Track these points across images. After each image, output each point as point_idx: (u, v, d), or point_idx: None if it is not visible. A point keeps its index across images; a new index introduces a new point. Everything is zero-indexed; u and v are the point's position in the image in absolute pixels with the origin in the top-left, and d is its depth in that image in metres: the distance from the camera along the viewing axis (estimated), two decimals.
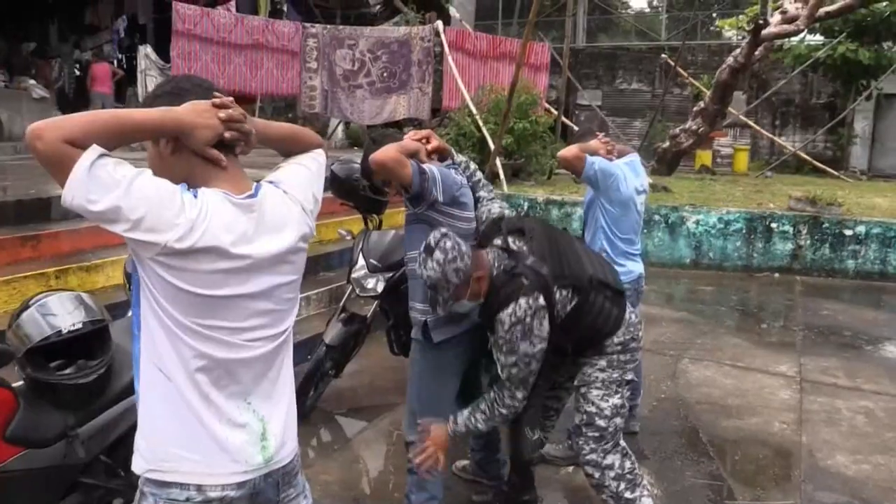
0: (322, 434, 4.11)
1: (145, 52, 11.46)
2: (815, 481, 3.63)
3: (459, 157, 3.06)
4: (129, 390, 1.68)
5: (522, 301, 2.52)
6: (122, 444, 2.39)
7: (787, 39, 15.59)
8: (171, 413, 1.57)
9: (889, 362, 5.58)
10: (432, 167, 2.73)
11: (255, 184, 1.64)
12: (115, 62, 15.05)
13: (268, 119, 1.94)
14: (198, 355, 1.54)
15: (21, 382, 2.32)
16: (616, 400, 2.81)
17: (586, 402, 2.82)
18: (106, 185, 1.36)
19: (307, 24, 11.42)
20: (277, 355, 1.71)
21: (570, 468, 3.69)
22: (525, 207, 9.23)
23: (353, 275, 4.18)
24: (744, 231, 8.57)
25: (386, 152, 2.65)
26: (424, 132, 2.92)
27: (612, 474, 2.79)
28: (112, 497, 2.47)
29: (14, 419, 2.12)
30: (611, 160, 3.69)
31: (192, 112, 1.50)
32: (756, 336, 6.15)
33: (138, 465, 1.60)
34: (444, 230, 2.58)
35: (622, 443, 2.87)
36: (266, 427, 1.67)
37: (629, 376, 2.88)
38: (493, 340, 2.64)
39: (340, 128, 15.03)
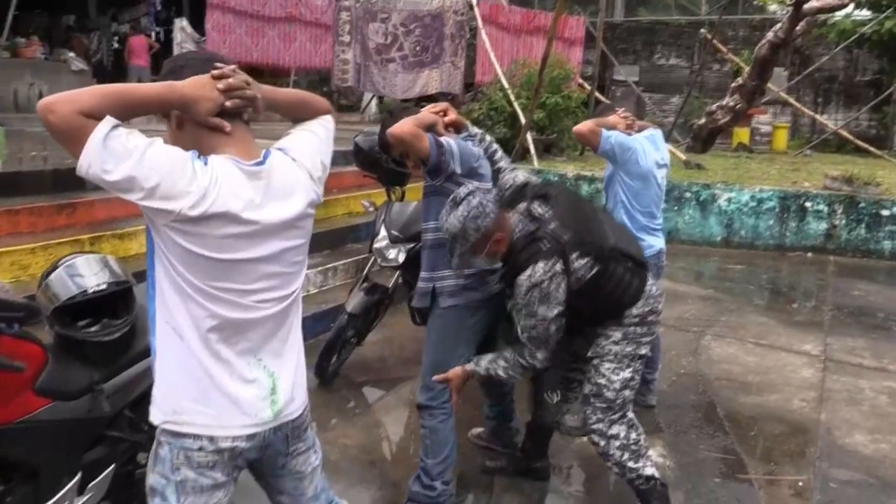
0: (343, 399, 4.21)
1: (181, 24, 11.61)
2: (831, 459, 3.63)
3: (474, 129, 3.08)
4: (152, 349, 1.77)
5: (540, 265, 2.56)
6: (145, 400, 2.46)
7: (831, 14, 15.15)
8: (185, 369, 1.66)
9: None
10: (449, 140, 2.76)
11: (264, 151, 1.70)
12: (152, 35, 15.22)
13: None
14: (210, 315, 1.62)
15: (50, 340, 2.44)
16: (626, 374, 2.83)
17: (597, 373, 2.84)
18: (119, 155, 1.42)
19: None
20: (287, 316, 1.78)
21: (584, 438, 3.73)
22: (571, 177, 9.21)
23: (375, 245, 4.26)
24: (777, 210, 8.44)
25: (402, 126, 2.68)
26: (442, 105, 2.94)
27: (616, 444, 2.83)
28: (136, 450, 2.59)
29: (43, 372, 2.22)
30: (630, 134, 3.69)
31: (193, 85, 1.56)
32: (783, 315, 6.09)
33: (155, 416, 1.70)
34: (472, 187, 2.63)
35: (630, 414, 2.90)
36: (276, 383, 1.75)
37: (643, 351, 2.88)
38: (512, 303, 2.69)
39: (374, 101, 15.06)
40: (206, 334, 1.64)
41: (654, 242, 3.82)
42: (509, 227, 2.65)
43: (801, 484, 3.39)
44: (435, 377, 2.86)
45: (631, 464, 2.83)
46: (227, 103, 1.60)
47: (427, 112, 2.85)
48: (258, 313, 1.69)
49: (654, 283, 2.97)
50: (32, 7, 14.33)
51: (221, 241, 1.57)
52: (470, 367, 2.83)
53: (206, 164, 1.55)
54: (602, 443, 2.85)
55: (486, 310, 2.99)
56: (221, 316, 1.63)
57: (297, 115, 1.88)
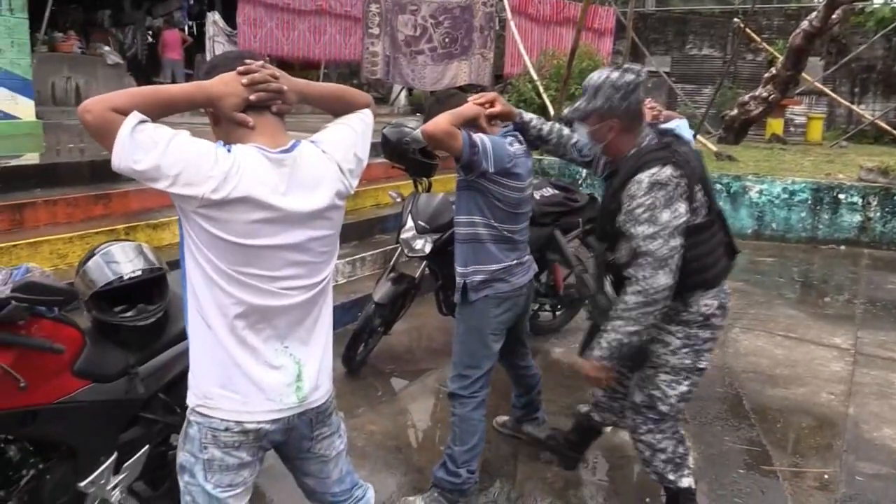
0: (370, 387, 4.28)
1: (213, 18, 11.75)
2: (858, 452, 3.60)
3: (528, 116, 2.98)
4: (185, 334, 1.84)
5: (669, 168, 2.40)
6: (179, 384, 2.58)
7: (869, 2, 14.82)
8: (212, 356, 1.73)
9: None
10: (484, 138, 2.71)
11: (293, 141, 1.75)
12: (185, 29, 15.44)
13: None
14: (236, 302, 1.68)
15: (88, 324, 2.54)
16: (683, 388, 2.66)
17: (652, 384, 2.69)
18: (146, 146, 1.51)
19: None
20: (315, 304, 1.83)
21: (608, 429, 3.75)
22: (583, 174, 9.17)
23: (402, 236, 4.31)
24: (809, 202, 8.32)
25: (437, 124, 2.64)
26: (489, 95, 2.85)
27: (662, 457, 2.78)
28: (170, 431, 2.68)
29: (81, 355, 2.32)
30: (656, 125, 3.67)
31: (219, 83, 1.65)
32: (813, 308, 6.02)
33: (190, 399, 1.78)
34: (639, 68, 2.59)
35: (680, 429, 2.83)
36: (301, 370, 1.80)
37: (703, 364, 2.66)
38: (622, 217, 2.47)
39: (403, 94, 15.12)
40: (232, 321, 1.69)
41: None
42: (636, 132, 2.54)
43: (826, 476, 3.38)
44: (594, 385, 2.77)
45: (671, 476, 2.79)
46: (252, 97, 1.66)
47: (470, 104, 2.79)
48: (285, 300, 1.74)
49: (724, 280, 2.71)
50: (69, 2, 14.64)
51: (246, 227, 1.63)
52: (597, 354, 2.57)
53: (229, 151, 1.61)
54: (647, 454, 2.80)
55: (512, 303, 3.02)
56: (248, 302, 1.69)
57: (335, 108, 1.91)
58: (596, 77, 2.53)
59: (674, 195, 2.39)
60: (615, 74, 2.50)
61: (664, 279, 2.38)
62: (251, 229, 1.63)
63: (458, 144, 2.64)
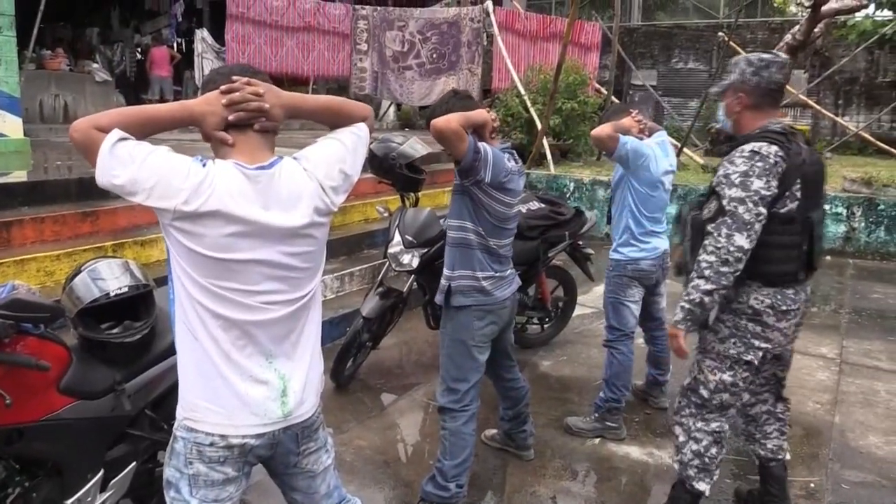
0: (359, 402, 4.28)
1: (202, 35, 11.80)
2: (844, 460, 3.63)
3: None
4: (172, 350, 1.85)
5: (775, 147, 2.52)
6: (166, 400, 2.59)
7: (850, 15, 15.02)
8: (198, 369, 1.74)
9: None
10: (487, 147, 2.77)
11: (274, 158, 1.76)
12: (174, 46, 15.48)
13: None
14: (216, 316, 1.70)
15: (75, 341, 2.54)
16: (725, 377, 2.73)
17: (698, 368, 2.82)
18: (124, 161, 1.57)
19: (357, 6, 11.58)
20: (298, 318, 1.83)
21: (596, 440, 3.78)
22: (571, 188, 9.24)
23: (390, 250, 4.33)
24: None
25: (448, 122, 2.66)
26: (494, 114, 2.97)
27: (694, 448, 2.82)
28: (157, 448, 2.67)
29: (67, 372, 2.32)
30: (641, 138, 3.72)
31: (202, 102, 1.69)
32: None
33: (178, 411, 1.79)
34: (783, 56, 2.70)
35: (723, 427, 2.81)
36: (287, 385, 1.80)
37: (749, 357, 2.69)
38: (716, 178, 2.61)
39: (392, 109, 15.19)
40: (215, 335, 1.71)
41: (660, 244, 3.85)
42: (765, 113, 2.64)
43: (812, 485, 3.40)
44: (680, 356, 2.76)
45: (692, 472, 2.84)
46: (231, 117, 1.69)
47: (482, 111, 2.87)
48: (266, 315, 1.75)
49: (803, 291, 2.75)
50: (57, 20, 14.65)
51: (221, 241, 1.65)
52: (678, 317, 2.65)
53: (203, 165, 1.64)
54: (681, 438, 2.86)
55: (496, 315, 3.04)
56: (227, 316, 1.70)
57: (330, 122, 1.91)
58: (736, 57, 2.70)
59: (771, 170, 2.50)
60: (754, 54, 2.65)
61: (742, 241, 2.50)
62: (226, 243, 1.65)
63: (464, 146, 2.67)
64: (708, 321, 2.72)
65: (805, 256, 2.64)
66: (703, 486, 2.84)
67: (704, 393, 2.79)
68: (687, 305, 2.63)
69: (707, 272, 2.55)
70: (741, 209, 2.50)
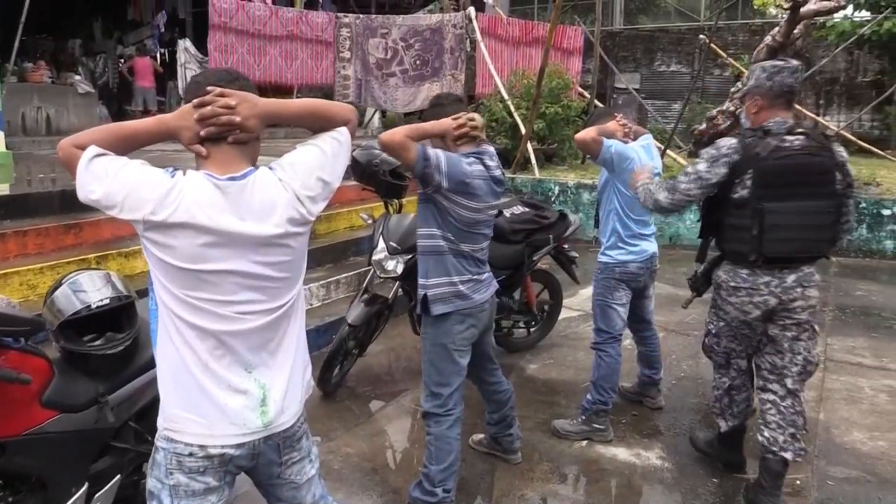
0: (346, 410, 4.27)
1: (185, 45, 11.77)
2: (829, 457, 3.66)
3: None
4: (154, 361, 1.85)
5: (733, 141, 2.95)
6: (150, 412, 2.57)
7: (829, 16, 15.16)
8: (177, 379, 1.74)
9: None
10: (439, 154, 2.78)
11: (247, 168, 1.75)
12: (157, 56, 15.43)
13: None
14: (190, 326, 1.70)
15: (57, 354, 2.53)
16: (705, 340, 3.37)
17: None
18: (99, 176, 1.62)
19: (340, 14, 11.59)
20: (277, 328, 1.82)
21: (584, 442, 3.79)
22: (556, 192, 9.28)
23: (374, 257, 4.33)
24: None
25: (394, 134, 2.73)
26: (469, 115, 2.95)
27: (715, 393, 3.39)
28: (141, 460, 2.66)
29: (49, 385, 2.31)
30: (626, 142, 3.74)
31: (176, 117, 1.71)
32: None
33: (159, 422, 1.79)
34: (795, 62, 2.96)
35: (731, 387, 3.30)
36: (267, 394, 1.80)
37: (711, 326, 3.29)
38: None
39: (377, 116, 15.19)
40: (193, 345, 1.71)
41: (648, 247, 3.87)
42: (774, 114, 2.91)
43: (798, 482, 3.42)
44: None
45: (716, 411, 3.42)
46: (202, 133, 1.69)
47: (442, 121, 2.91)
48: (243, 325, 1.74)
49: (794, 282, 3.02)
50: (39, 32, 14.58)
51: (192, 251, 1.65)
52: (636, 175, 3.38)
53: (172, 176, 1.66)
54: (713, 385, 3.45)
55: (475, 319, 3.05)
56: (202, 326, 1.70)
57: (312, 126, 1.91)
58: (761, 65, 2.97)
59: (719, 159, 2.95)
60: (781, 63, 2.93)
61: (663, 196, 3.11)
62: (197, 253, 1.65)
63: (412, 156, 2.71)
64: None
65: (756, 241, 2.91)
66: (721, 423, 3.39)
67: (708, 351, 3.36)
68: (641, 188, 3.29)
69: (641, 191, 3.26)
70: (681, 178, 3.06)
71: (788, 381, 3.06)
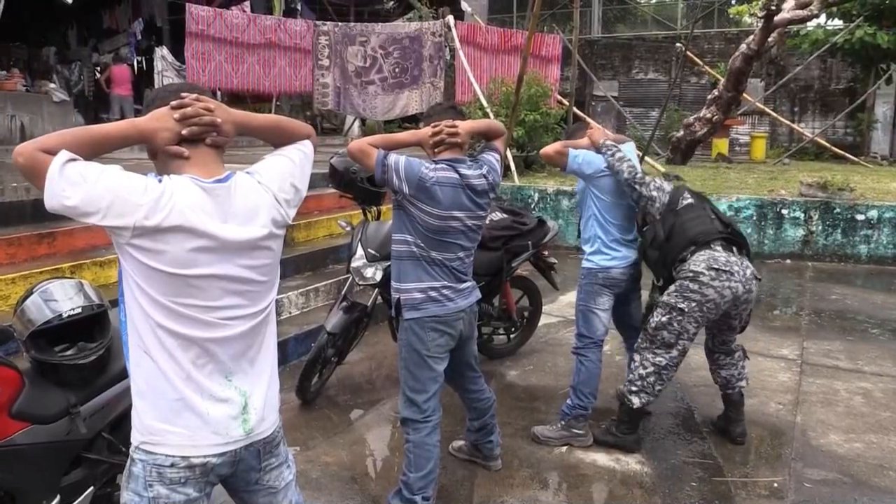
0: (325, 418, 4.24)
1: (161, 53, 11.70)
2: (806, 459, 3.69)
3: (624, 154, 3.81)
4: (128, 372, 1.82)
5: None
6: (123, 422, 2.53)
7: (803, 25, 15.40)
8: (155, 391, 1.71)
9: (894, 344, 5.58)
10: (399, 159, 2.81)
11: (228, 172, 1.76)
12: (133, 64, 15.31)
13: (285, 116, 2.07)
14: (172, 334, 1.67)
15: (28, 365, 2.48)
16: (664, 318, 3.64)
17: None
18: (75, 182, 1.53)
19: (319, 23, 11.58)
20: (258, 334, 1.82)
21: (564, 448, 3.79)
22: (535, 198, 9.31)
23: (353, 264, 4.31)
24: (754, 218, 8.57)
25: (357, 142, 2.88)
26: (447, 122, 2.96)
27: (640, 371, 3.66)
28: (115, 472, 2.62)
29: (19, 397, 2.27)
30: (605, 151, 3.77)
31: (151, 120, 1.67)
32: (761, 321, 6.15)
33: (134, 437, 1.75)
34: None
35: (667, 367, 3.62)
36: (248, 402, 1.79)
37: (682, 305, 3.55)
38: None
39: (356, 124, 15.17)
40: (174, 354, 1.68)
41: (630, 254, 3.89)
42: None
43: (776, 485, 3.45)
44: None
45: (633, 388, 3.67)
46: (184, 132, 1.67)
47: (423, 130, 3.00)
48: (226, 331, 1.73)
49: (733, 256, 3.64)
50: (12, 40, 14.41)
51: (183, 256, 1.63)
52: (607, 143, 3.80)
53: (160, 181, 1.63)
54: (635, 363, 3.70)
55: (448, 327, 3.02)
56: (186, 334, 1.68)
57: (275, 140, 1.93)
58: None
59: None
60: None
61: (626, 174, 3.69)
62: (188, 258, 1.63)
63: (371, 163, 2.81)
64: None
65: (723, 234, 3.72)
66: (635, 400, 3.65)
67: (650, 329, 3.64)
68: (615, 159, 3.73)
69: (614, 159, 3.73)
70: (647, 181, 3.75)
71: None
